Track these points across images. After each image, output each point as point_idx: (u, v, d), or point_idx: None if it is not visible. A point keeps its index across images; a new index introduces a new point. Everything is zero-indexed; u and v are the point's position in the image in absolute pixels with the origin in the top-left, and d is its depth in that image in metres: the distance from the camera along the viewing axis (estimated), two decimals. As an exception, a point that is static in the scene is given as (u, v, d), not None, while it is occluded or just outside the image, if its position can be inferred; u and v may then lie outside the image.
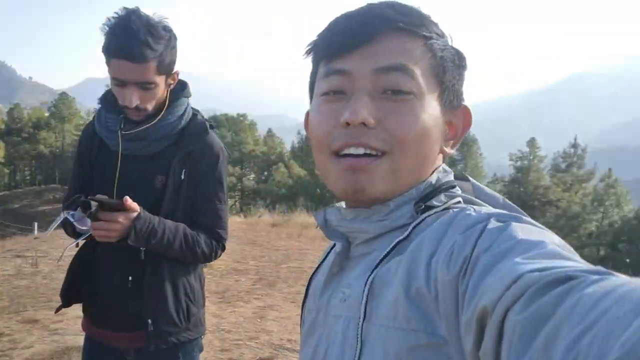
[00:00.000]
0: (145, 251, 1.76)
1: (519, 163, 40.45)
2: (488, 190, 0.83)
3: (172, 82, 1.83)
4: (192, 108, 1.92)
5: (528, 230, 0.59)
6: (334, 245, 0.92)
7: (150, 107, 1.76)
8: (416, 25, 0.76)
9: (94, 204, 1.58)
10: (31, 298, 6.25)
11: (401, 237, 0.72)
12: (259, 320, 5.49)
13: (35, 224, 18.38)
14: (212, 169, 1.86)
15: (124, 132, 1.79)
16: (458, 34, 0.90)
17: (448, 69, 0.78)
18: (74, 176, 1.97)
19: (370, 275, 0.71)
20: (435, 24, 0.79)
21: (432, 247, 0.66)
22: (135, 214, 1.66)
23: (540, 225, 0.63)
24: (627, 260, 31.70)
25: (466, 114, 0.83)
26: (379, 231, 0.77)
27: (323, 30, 0.81)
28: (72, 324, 4.94)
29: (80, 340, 4.52)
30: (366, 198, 0.76)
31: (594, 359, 0.35)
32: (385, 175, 0.74)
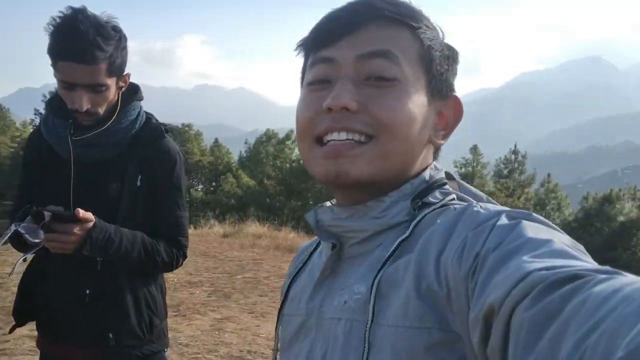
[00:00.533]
0: (102, 262, 1.67)
1: (463, 170, 41.57)
2: (473, 189, 0.84)
3: (123, 84, 1.75)
4: (145, 112, 1.85)
5: (537, 228, 0.59)
6: (316, 247, 0.91)
7: (101, 110, 1.68)
8: (403, 15, 0.76)
9: (47, 214, 1.48)
10: (-31, 318, 5.85)
11: (404, 237, 0.71)
12: (216, 332, 5.36)
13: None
14: (169, 174, 1.79)
15: (74, 138, 1.69)
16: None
17: (436, 58, 0.78)
18: (22, 188, 1.86)
19: (376, 275, 0.69)
20: (426, 18, 0.80)
21: (441, 244, 0.65)
22: (91, 224, 1.57)
23: (550, 223, 0.62)
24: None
25: (457, 104, 0.83)
26: (376, 229, 0.75)
27: (314, 25, 0.80)
28: (20, 343, 4.66)
29: (29, 359, 4.26)
30: (351, 181, 0.74)
31: (601, 357, 0.35)
32: (370, 159, 0.73)
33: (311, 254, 0.91)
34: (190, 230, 15.99)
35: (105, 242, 1.60)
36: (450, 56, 0.81)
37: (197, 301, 6.66)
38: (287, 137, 45.51)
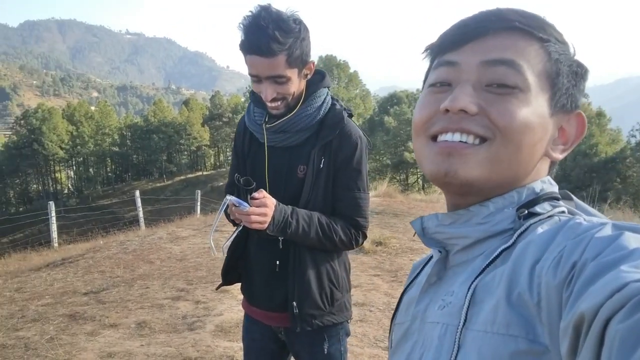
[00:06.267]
0: (284, 240, 1.85)
1: None
2: (592, 209, 0.78)
3: (308, 72, 1.84)
4: (331, 97, 1.92)
5: None
6: (428, 261, 0.93)
7: (289, 98, 1.80)
8: (533, 27, 0.75)
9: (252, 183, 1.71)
10: (224, 270, 6.87)
11: (506, 245, 0.70)
12: (429, 302, 5.42)
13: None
14: (350, 157, 1.86)
15: (267, 126, 1.87)
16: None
17: (563, 73, 0.75)
18: (232, 167, 2.10)
19: (473, 281, 0.69)
20: (558, 32, 0.77)
21: (538, 253, 0.63)
22: (275, 202, 1.75)
23: None
24: None
25: (580, 121, 0.79)
26: (479, 236, 0.75)
27: (442, 32, 0.82)
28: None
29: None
30: (458, 182, 0.74)
31: None
32: (482, 161, 0.73)
33: (424, 266, 0.93)
34: (420, 196, 16.21)
35: (284, 224, 1.76)
36: (579, 73, 0.78)
37: (416, 268, 6.78)
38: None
